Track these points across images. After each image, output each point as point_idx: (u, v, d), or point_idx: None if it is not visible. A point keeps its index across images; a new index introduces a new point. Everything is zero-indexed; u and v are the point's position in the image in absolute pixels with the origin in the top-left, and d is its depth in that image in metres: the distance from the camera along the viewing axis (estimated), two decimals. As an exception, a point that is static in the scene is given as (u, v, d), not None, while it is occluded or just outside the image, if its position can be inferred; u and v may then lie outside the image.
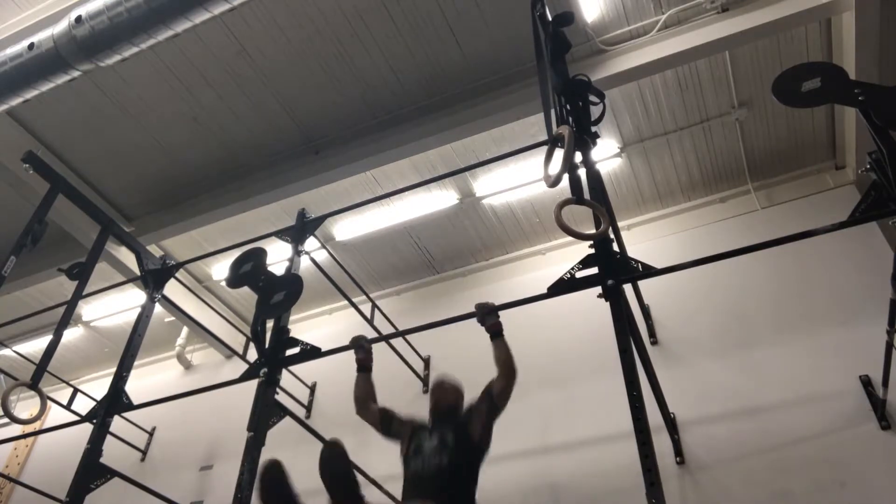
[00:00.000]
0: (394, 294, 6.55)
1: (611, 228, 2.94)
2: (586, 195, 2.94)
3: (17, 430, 5.75)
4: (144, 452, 6.49)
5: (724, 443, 4.01)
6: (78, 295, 4.30)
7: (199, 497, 5.78)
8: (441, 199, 5.70)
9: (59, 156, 5.54)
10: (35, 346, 6.94)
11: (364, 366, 3.40)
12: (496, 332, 3.10)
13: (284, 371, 3.80)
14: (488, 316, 3.12)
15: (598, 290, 2.74)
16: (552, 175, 2.67)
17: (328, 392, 5.94)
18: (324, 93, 5.05)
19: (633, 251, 3.17)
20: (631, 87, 4.83)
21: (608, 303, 2.70)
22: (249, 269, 3.63)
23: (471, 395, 3.23)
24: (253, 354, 3.83)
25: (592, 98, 3.11)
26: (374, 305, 5.22)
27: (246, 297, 6.82)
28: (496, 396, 3.02)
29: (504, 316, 3.13)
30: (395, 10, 4.51)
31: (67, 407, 5.57)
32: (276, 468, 2.63)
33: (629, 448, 2.45)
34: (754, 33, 4.26)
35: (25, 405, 7.13)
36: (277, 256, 4.39)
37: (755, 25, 4.19)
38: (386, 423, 3.25)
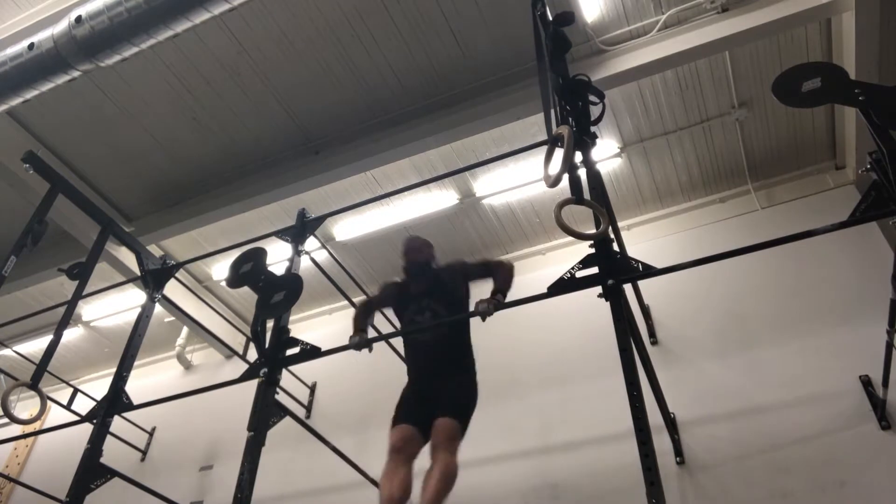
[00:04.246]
0: (394, 294, 6.53)
1: (611, 228, 2.93)
2: (586, 195, 2.93)
3: (17, 430, 5.74)
4: (144, 452, 6.49)
5: (724, 443, 4.01)
6: (78, 295, 4.29)
7: (199, 497, 5.78)
8: (441, 199, 5.70)
9: (59, 156, 5.54)
10: (35, 346, 6.94)
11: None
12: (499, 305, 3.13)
13: (284, 371, 3.79)
14: (489, 308, 3.07)
15: (599, 289, 2.74)
16: (552, 175, 2.67)
17: (328, 392, 5.94)
18: (324, 93, 5.05)
19: (633, 251, 3.16)
20: (631, 87, 4.83)
21: (608, 303, 2.70)
22: (249, 269, 3.61)
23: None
24: (253, 354, 3.83)
25: (592, 98, 3.11)
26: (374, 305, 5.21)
27: (246, 297, 6.82)
28: (497, 280, 3.27)
29: (504, 316, 3.12)
30: (395, 10, 4.51)
31: (67, 407, 5.56)
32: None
33: (629, 448, 2.44)
34: (754, 33, 4.26)
35: (25, 405, 7.13)
36: (277, 256, 4.38)
37: (755, 25, 4.19)
38: (372, 307, 3.75)
